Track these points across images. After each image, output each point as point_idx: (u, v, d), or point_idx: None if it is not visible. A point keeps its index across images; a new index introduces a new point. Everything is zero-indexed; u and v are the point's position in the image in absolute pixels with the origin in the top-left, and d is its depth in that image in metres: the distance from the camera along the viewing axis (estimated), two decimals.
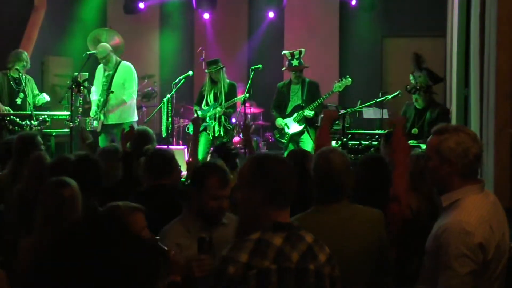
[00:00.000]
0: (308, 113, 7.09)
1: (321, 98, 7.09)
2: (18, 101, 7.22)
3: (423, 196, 3.33)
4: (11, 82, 7.24)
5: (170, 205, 3.37)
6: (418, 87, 6.18)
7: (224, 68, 7.43)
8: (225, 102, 7.36)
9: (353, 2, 9.85)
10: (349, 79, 7.03)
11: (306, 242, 2.14)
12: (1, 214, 4.22)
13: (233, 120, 8.28)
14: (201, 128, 7.57)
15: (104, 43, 7.71)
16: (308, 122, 7.26)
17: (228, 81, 7.47)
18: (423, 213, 3.19)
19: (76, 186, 3.09)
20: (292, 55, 7.30)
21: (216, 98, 7.45)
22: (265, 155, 2.42)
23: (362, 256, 2.80)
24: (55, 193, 3.03)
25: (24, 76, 7.25)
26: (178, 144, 8.12)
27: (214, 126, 7.44)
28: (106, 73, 7.43)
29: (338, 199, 2.85)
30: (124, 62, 7.51)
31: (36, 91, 7.47)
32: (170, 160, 3.83)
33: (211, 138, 7.49)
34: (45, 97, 7.36)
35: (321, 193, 2.89)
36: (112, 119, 7.33)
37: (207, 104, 7.52)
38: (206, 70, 7.53)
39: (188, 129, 7.85)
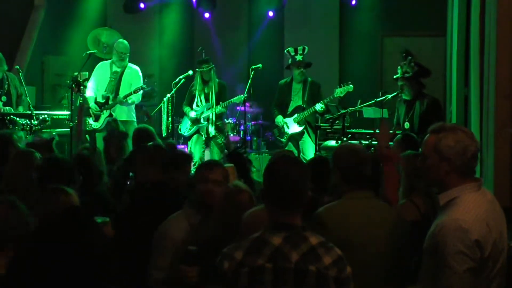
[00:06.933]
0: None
1: (325, 100, 7.05)
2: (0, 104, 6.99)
3: (427, 196, 3.34)
4: None
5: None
6: (402, 74, 6.25)
7: (214, 68, 7.45)
8: (216, 101, 7.36)
9: (353, 2, 9.84)
10: (351, 85, 6.99)
11: (309, 243, 2.13)
12: None
13: (231, 120, 8.28)
14: (194, 129, 7.59)
15: (123, 40, 7.72)
16: (308, 123, 7.24)
17: (217, 80, 7.49)
18: (430, 215, 3.19)
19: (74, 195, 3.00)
20: (296, 50, 7.28)
21: (207, 99, 7.46)
22: (283, 156, 2.47)
23: (385, 247, 2.76)
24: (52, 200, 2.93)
25: (6, 77, 7.03)
26: (178, 144, 8.09)
27: (207, 127, 7.44)
28: (114, 70, 7.45)
29: (363, 187, 2.86)
30: (131, 65, 7.58)
31: (20, 90, 7.13)
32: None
33: (204, 139, 7.51)
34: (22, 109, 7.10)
35: (347, 183, 2.87)
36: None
37: (197, 105, 7.51)
38: (197, 69, 7.53)
39: (180, 130, 7.84)
